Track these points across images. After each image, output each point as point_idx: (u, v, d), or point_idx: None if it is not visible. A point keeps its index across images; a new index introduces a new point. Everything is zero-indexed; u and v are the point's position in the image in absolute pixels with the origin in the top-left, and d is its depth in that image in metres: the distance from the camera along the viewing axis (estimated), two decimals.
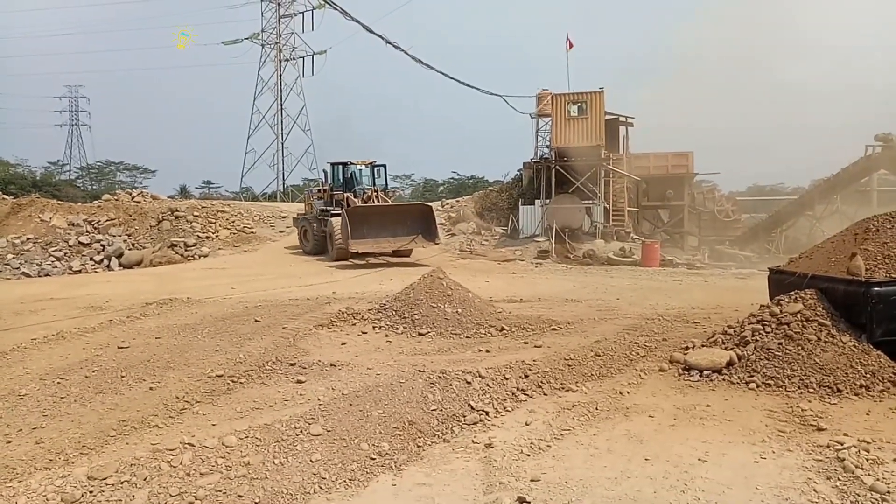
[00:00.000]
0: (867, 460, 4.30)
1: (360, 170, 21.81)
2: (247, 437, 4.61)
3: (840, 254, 6.93)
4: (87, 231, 22.42)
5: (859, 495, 3.87)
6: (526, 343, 7.87)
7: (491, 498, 3.97)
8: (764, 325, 6.42)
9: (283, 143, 54.69)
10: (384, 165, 22.10)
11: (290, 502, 3.95)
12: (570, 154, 24.96)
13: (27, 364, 7.08)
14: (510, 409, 5.57)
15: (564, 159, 25.12)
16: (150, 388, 6.18)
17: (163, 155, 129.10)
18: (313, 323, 9.05)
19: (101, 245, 21.83)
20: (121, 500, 3.83)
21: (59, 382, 6.32)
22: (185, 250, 22.07)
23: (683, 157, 26.68)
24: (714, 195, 28.68)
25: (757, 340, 6.31)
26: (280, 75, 54.78)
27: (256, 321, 9.21)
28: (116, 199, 26.22)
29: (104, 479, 3.99)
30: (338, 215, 19.99)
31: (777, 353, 6.08)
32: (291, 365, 6.88)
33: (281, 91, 54.76)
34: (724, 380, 6.10)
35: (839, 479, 4.07)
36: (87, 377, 6.49)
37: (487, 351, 7.47)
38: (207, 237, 23.56)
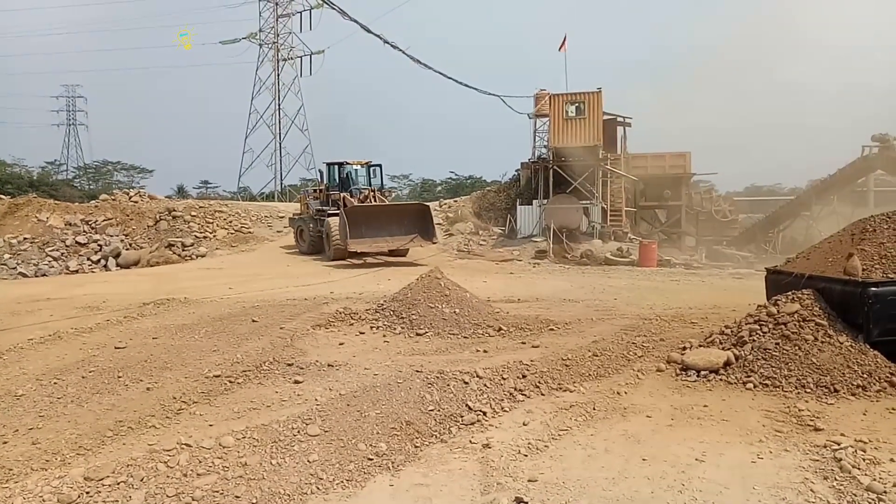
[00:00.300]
0: (864, 460, 4.31)
1: (356, 170, 21.84)
2: (244, 437, 4.60)
3: (837, 254, 6.94)
4: (84, 231, 22.37)
5: (856, 495, 3.88)
6: (524, 343, 7.87)
7: (488, 498, 3.97)
8: (761, 325, 6.43)
9: (280, 143, 54.60)
10: (380, 165, 22.15)
11: (287, 503, 3.94)
12: (568, 154, 24.97)
13: (24, 364, 7.07)
14: (508, 409, 5.57)
15: (562, 159, 25.14)
16: (147, 389, 6.17)
17: (160, 155, 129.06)
18: (311, 323, 9.04)
19: (99, 245, 21.79)
20: (117, 501, 3.82)
21: (55, 383, 6.31)
22: (183, 250, 22.05)
23: (681, 157, 26.75)
24: (711, 195, 28.79)
25: (754, 341, 6.32)
26: (278, 75, 54.67)
27: (254, 321, 9.20)
28: (114, 199, 26.18)
29: (101, 479, 3.98)
30: (334, 215, 20.01)
31: (774, 353, 6.09)
32: (289, 365, 6.87)
33: (279, 91, 54.67)
34: (721, 380, 6.10)
35: (836, 479, 4.08)
36: (83, 377, 6.48)
37: (485, 351, 7.47)
38: (205, 237, 23.54)
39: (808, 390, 5.66)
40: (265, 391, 6.08)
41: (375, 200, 20.46)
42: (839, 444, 4.54)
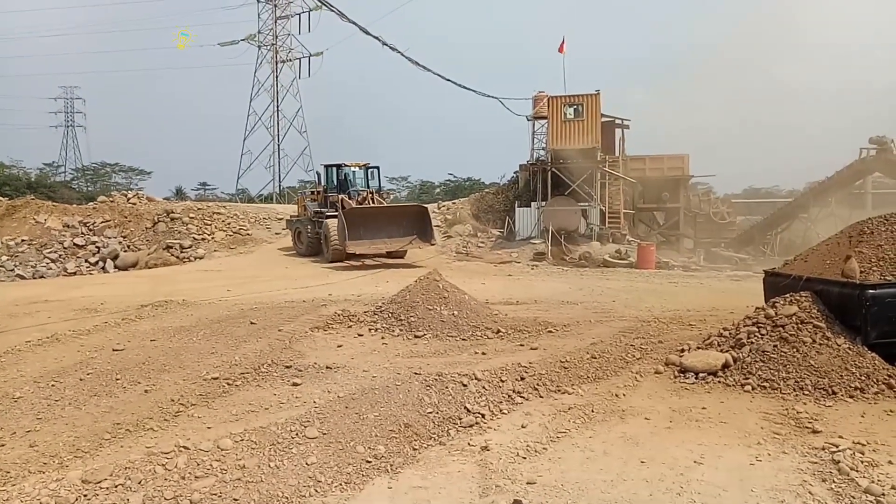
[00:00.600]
0: (862, 462, 4.31)
1: (354, 172, 21.86)
2: (242, 439, 4.60)
3: (835, 256, 6.96)
4: (82, 233, 22.34)
5: (854, 497, 3.88)
6: (522, 345, 7.87)
7: (487, 501, 3.97)
8: (759, 327, 6.44)
9: (279, 145, 54.60)
10: (378, 167, 22.16)
11: None
12: (567, 156, 24.99)
13: (21, 366, 7.05)
14: (506, 411, 5.57)
15: (561, 161, 25.15)
16: (145, 391, 6.16)
17: (159, 156, 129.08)
18: (309, 325, 9.04)
19: (97, 247, 21.75)
20: None
21: (53, 385, 6.30)
22: (181, 252, 22.02)
23: (679, 159, 26.76)
24: (710, 197, 28.78)
25: (752, 343, 6.33)
26: (276, 77, 54.71)
27: (252, 323, 9.19)
28: (112, 201, 26.17)
29: (98, 482, 3.97)
30: (333, 217, 20.01)
31: (772, 355, 6.09)
32: (287, 367, 6.86)
33: (277, 93, 54.69)
34: (719, 382, 6.11)
35: (834, 482, 4.09)
36: (81, 380, 6.47)
37: (483, 353, 7.46)
38: (203, 239, 23.51)
39: (807, 392, 5.67)
40: (263, 393, 6.07)
41: (374, 202, 20.46)
42: (837, 447, 4.54)
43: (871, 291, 6.00)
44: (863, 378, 5.71)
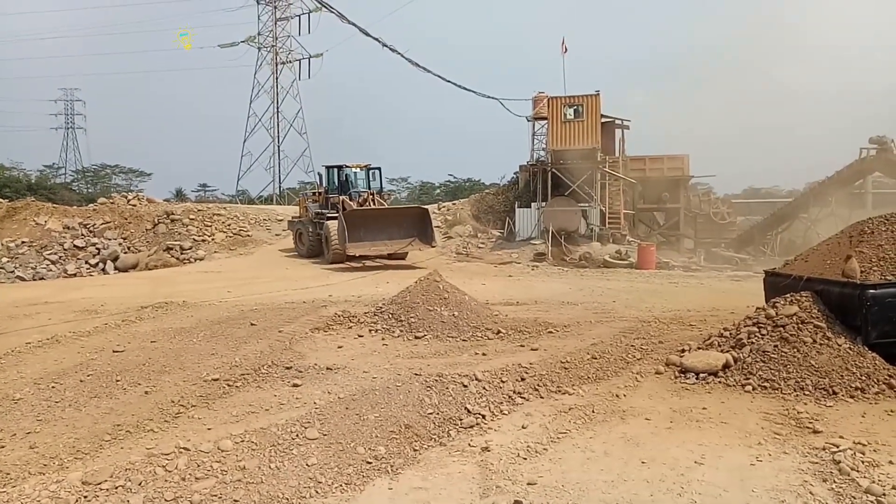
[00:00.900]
0: (863, 462, 4.31)
1: (355, 173, 21.88)
2: (242, 441, 4.59)
3: (835, 256, 6.95)
4: (82, 234, 22.36)
5: (855, 497, 3.88)
6: (522, 346, 7.87)
7: (487, 501, 3.96)
8: (760, 327, 6.43)
9: (279, 146, 54.60)
10: (379, 168, 22.18)
11: None
12: (567, 157, 25.00)
13: (21, 368, 7.05)
14: (507, 412, 5.56)
15: (561, 162, 25.16)
16: (146, 393, 6.15)
17: (159, 158, 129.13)
18: (309, 326, 9.03)
19: (97, 248, 21.78)
20: None
21: (53, 387, 6.29)
22: (181, 254, 22.03)
23: (679, 159, 26.77)
24: (710, 198, 28.79)
25: (753, 343, 6.33)
26: (276, 78, 54.71)
27: (252, 324, 9.19)
28: (112, 203, 26.22)
29: (99, 484, 3.96)
30: (333, 218, 20.02)
31: (773, 355, 6.09)
32: (287, 368, 6.86)
33: (277, 94, 54.69)
34: (720, 382, 6.10)
35: (835, 482, 4.08)
36: (81, 381, 6.47)
37: (484, 354, 7.46)
38: (203, 240, 23.52)
39: (807, 392, 5.66)
40: (264, 395, 6.07)
41: (374, 204, 20.48)
42: (838, 447, 4.54)
43: (871, 291, 6.00)
44: (863, 378, 5.70)
